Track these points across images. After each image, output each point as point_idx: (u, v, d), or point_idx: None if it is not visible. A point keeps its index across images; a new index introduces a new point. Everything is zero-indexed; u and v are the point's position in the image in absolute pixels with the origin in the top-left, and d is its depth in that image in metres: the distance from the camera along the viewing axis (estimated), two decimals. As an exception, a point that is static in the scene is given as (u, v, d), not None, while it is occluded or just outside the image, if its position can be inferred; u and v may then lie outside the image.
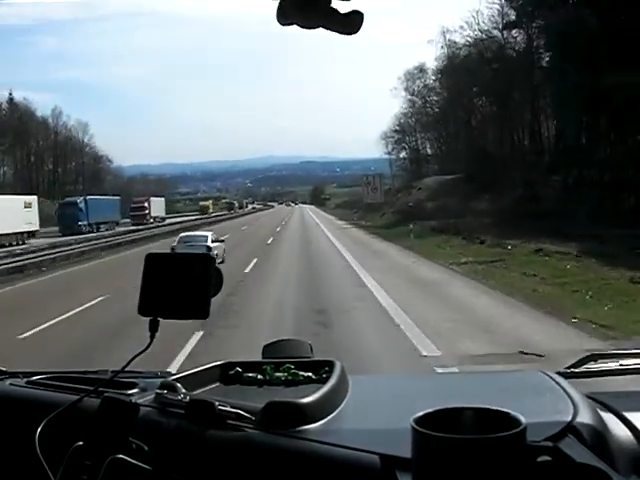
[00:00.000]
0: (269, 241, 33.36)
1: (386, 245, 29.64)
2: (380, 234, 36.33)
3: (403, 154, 70.64)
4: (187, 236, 24.21)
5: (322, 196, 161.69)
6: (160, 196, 74.89)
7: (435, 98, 62.11)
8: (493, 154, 42.95)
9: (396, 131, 69.66)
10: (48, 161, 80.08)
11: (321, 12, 0.94)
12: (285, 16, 0.93)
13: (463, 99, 52.65)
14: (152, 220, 61.50)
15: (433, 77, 61.02)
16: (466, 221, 31.68)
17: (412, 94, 63.19)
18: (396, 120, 69.58)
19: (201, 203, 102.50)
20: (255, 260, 22.34)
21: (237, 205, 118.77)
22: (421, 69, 62.34)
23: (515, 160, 40.55)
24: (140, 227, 50.66)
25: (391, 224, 42.89)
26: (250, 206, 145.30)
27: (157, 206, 67.34)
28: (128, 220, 59.37)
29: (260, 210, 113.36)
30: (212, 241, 22.38)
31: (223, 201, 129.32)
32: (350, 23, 0.96)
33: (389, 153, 70.95)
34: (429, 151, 68.03)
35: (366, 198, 53.84)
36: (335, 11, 0.95)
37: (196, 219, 65.69)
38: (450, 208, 36.45)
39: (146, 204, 62.87)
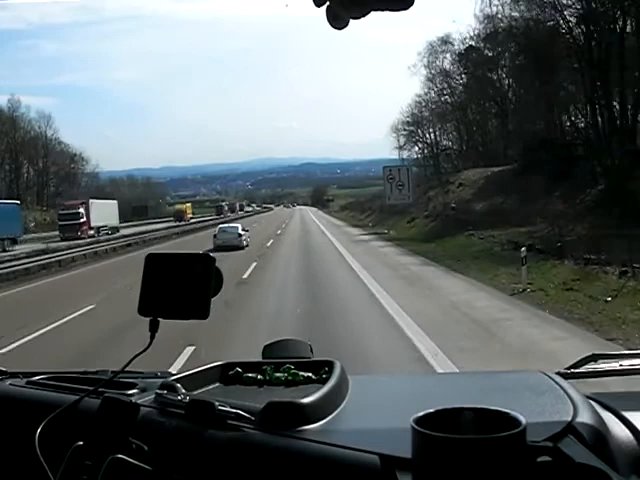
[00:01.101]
0: (245, 275, 18.29)
1: (469, 286, 14.96)
2: (426, 253, 22.66)
3: (416, 149, 62.65)
4: (224, 227, 33.58)
5: (325, 197, 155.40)
6: (111, 198, 58.39)
7: (460, 78, 53.00)
8: (555, 139, 32.20)
9: (408, 123, 61.59)
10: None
11: None
12: (335, 17, 0.86)
13: (500, 75, 44.73)
14: (94, 232, 45.90)
15: (459, 51, 51.84)
16: (549, 231, 21.19)
17: (431, 76, 54.51)
18: (410, 109, 61.74)
19: (176, 207, 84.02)
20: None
21: (227, 208, 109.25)
22: (446, 41, 53.07)
23: (589, 145, 29.59)
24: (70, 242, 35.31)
25: (429, 234, 31.10)
26: (248, 208, 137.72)
27: (103, 212, 48.88)
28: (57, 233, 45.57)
29: (257, 213, 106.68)
30: (242, 230, 31.90)
31: (207, 203, 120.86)
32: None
33: (401, 147, 62.52)
34: (449, 143, 58.97)
35: (389, 198, 40.08)
36: None
37: (166, 228, 51.18)
38: (510, 210, 27.09)
39: (81, 210, 46.19)
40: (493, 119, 49.33)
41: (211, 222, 63.97)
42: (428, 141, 61.95)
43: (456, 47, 52.48)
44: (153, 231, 45.60)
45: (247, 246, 30.42)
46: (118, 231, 49.89)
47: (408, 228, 38.85)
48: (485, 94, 48.44)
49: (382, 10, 0.85)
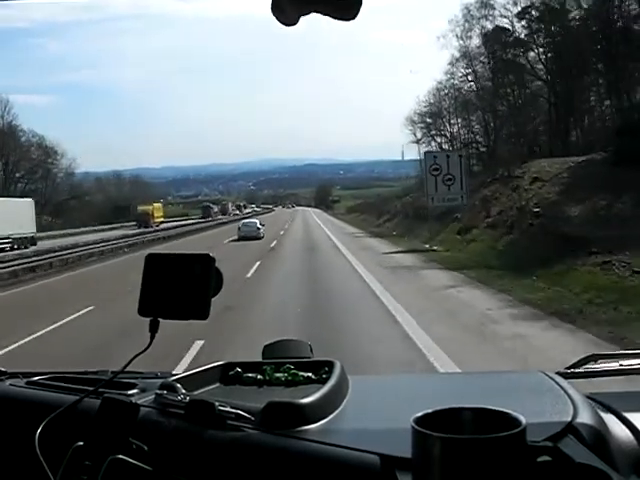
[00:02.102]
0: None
1: None
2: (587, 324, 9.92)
3: (434, 144, 53.68)
4: (246, 222, 42.70)
5: (330, 198, 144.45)
6: (81, 197, 56.01)
7: (487, 61, 44.81)
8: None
9: (427, 114, 53.29)
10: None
11: None
12: (279, 8, 0.88)
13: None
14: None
15: (485, 31, 43.52)
16: None
17: (464, 49, 45.04)
18: (427, 99, 53.62)
19: (140, 208, 63.26)
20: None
21: (217, 209, 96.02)
22: (486, 3, 43.07)
23: None
24: None
25: (513, 257, 18.34)
26: (247, 210, 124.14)
27: (6, 217, 33.29)
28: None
29: (256, 214, 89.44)
30: (260, 224, 40.90)
31: (205, 203, 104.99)
32: (346, 7, 0.88)
33: (418, 141, 54.62)
34: (473, 136, 50.87)
35: (432, 198, 28.21)
36: None
37: (121, 237, 39.65)
38: (627, 216, 18.19)
39: None
40: (531, 105, 41.89)
41: (189, 227, 51.92)
42: (447, 134, 54.06)
43: (497, 12, 42.96)
44: (94, 243, 33.57)
45: (263, 237, 37.78)
46: (34, 244, 35.83)
47: (464, 243, 25.18)
48: (519, 78, 41.88)
49: (326, 15, 0.89)
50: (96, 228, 55.36)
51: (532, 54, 42.34)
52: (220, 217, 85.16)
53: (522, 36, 42.36)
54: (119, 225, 59.58)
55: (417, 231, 32.99)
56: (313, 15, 0.91)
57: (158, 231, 48.93)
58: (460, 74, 48.44)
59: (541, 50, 41.13)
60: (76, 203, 69.52)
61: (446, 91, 51.24)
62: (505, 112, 43.91)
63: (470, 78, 47.59)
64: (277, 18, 0.88)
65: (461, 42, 46.21)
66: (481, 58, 46.09)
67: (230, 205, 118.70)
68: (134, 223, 59.06)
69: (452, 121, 53.12)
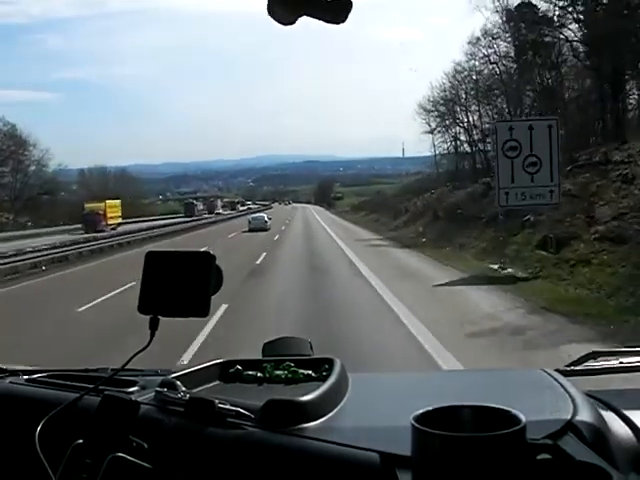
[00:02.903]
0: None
1: None
2: None
3: (446, 137, 49.12)
4: (255, 216, 49.71)
5: (332, 195, 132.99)
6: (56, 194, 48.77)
7: (511, 41, 39.15)
8: None
9: (443, 100, 47.67)
10: None
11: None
12: (272, 9, 0.91)
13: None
14: None
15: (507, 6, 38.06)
16: None
17: (500, 9, 38.11)
18: (443, 84, 47.66)
19: (87, 206, 51.90)
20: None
21: (203, 207, 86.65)
22: None
23: None
24: None
25: None
26: (242, 207, 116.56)
27: None
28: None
29: (247, 213, 78.24)
30: (267, 218, 47.57)
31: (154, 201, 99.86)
32: (336, 11, 0.91)
33: (432, 131, 49.69)
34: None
35: (506, 194, 16.42)
36: None
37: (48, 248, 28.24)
38: None
39: None
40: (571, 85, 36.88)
41: (160, 230, 41.98)
42: (466, 123, 47.58)
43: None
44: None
45: (270, 229, 44.04)
46: None
47: (562, 266, 15.18)
48: (550, 57, 36.83)
49: (316, 19, 0.92)
50: (42, 231, 45.44)
51: (567, 31, 36.33)
52: (206, 216, 77.21)
53: (554, 11, 36.52)
54: (70, 228, 48.10)
55: (457, 239, 24.77)
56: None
57: (107, 238, 35.99)
58: (482, 54, 42.49)
59: (577, 26, 35.19)
60: (48, 199, 62.43)
61: (465, 74, 45.61)
62: (536, 96, 38.44)
63: (492, 59, 41.90)
64: (273, 18, 0.92)
65: (498, 1, 38.91)
66: (506, 36, 40.55)
67: (219, 202, 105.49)
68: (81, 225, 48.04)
69: (472, 108, 46.63)
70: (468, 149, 47.98)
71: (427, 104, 50.15)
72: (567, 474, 0.93)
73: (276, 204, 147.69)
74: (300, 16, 0.91)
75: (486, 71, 43.41)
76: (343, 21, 0.91)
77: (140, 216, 67.12)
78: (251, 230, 42.71)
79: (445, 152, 51.73)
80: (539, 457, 0.93)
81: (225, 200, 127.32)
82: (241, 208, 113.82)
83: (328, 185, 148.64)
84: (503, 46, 41.14)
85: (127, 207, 66.31)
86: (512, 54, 40.50)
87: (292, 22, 0.92)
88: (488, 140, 41.52)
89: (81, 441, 1.19)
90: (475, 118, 46.50)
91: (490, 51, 41.66)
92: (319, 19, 0.91)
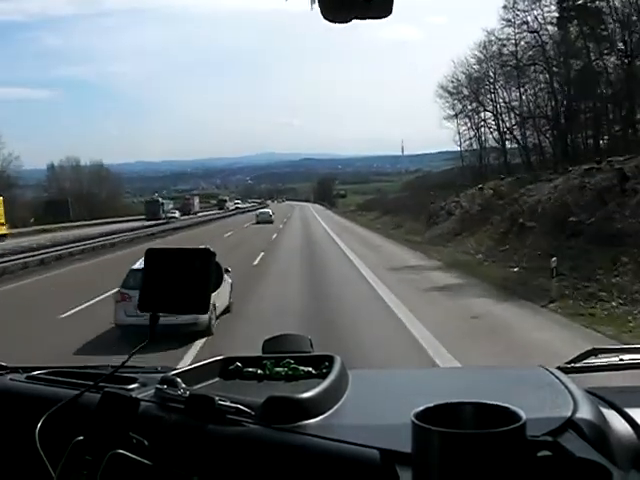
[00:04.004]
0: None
1: None
2: None
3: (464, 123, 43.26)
4: (261, 211, 58.19)
5: (334, 192, 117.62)
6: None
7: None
8: None
9: (469, 80, 40.98)
10: None
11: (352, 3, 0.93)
12: (326, 11, 0.94)
13: None
14: None
15: None
16: None
17: None
18: (467, 62, 41.46)
19: None
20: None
21: (170, 208, 69.90)
22: None
23: None
24: None
25: None
26: (230, 204, 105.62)
27: None
28: None
29: (234, 214, 72.52)
30: (272, 212, 56.60)
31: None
32: (382, 6, 0.95)
33: (455, 116, 43.69)
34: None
35: None
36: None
37: None
38: None
39: None
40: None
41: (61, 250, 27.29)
42: (498, 105, 40.65)
43: None
44: None
45: (273, 222, 50.97)
46: None
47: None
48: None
49: (364, 18, 0.95)
50: None
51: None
52: (177, 216, 64.24)
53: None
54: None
55: (603, 274, 14.03)
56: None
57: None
58: (519, 21, 36.35)
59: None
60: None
61: (497, 45, 38.61)
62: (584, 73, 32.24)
63: (533, 27, 35.88)
64: (326, 18, 0.96)
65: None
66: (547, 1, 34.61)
67: (196, 201, 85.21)
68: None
69: (511, 88, 39.12)
70: (486, 140, 42.43)
71: (449, 84, 43.75)
72: (567, 471, 0.93)
73: (274, 202, 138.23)
74: (349, 20, 0.95)
75: (523, 43, 36.95)
76: (390, 14, 0.95)
77: (96, 218, 59.62)
78: (258, 223, 52.15)
79: (468, 142, 45.04)
80: (539, 454, 0.93)
81: (219, 198, 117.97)
82: (231, 207, 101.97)
83: (328, 182, 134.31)
84: (546, 13, 34.95)
85: (99, 206, 60.63)
86: (555, 22, 34.94)
87: (345, 21, 0.97)
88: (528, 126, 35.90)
89: (81, 438, 1.19)
90: (513, 97, 38.80)
91: (529, 17, 35.43)
92: (367, 18, 0.95)
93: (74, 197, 64.91)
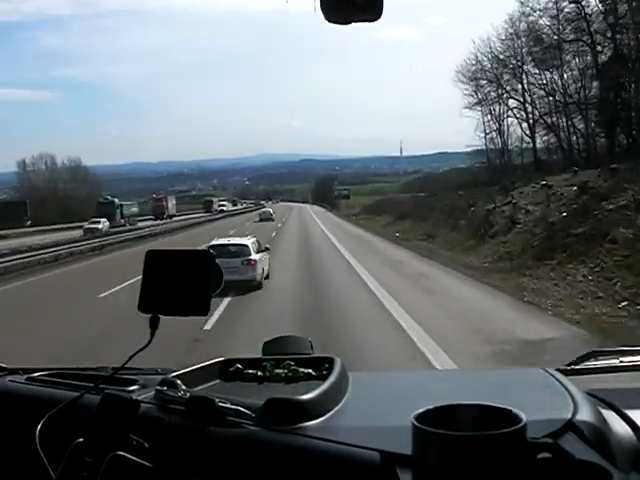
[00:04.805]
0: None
1: None
2: None
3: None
4: (264, 210, 62.35)
5: (335, 192, 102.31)
6: None
7: None
8: None
9: (497, 61, 34.62)
10: None
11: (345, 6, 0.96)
12: (328, 13, 0.97)
13: None
14: None
15: None
16: None
17: None
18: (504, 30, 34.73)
19: None
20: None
21: (134, 211, 59.36)
22: None
23: None
24: None
25: None
26: (214, 205, 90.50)
27: None
28: None
29: (223, 216, 64.61)
30: (272, 211, 62.41)
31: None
32: (372, 8, 0.97)
33: (480, 102, 37.53)
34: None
35: None
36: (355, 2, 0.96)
37: None
38: None
39: None
40: None
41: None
42: (530, 90, 34.22)
43: None
44: None
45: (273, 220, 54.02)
46: None
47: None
48: None
49: (356, 21, 0.98)
50: None
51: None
52: (135, 223, 52.69)
53: None
54: None
55: None
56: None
57: None
58: None
59: None
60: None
61: (530, 19, 32.15)
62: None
63: None
64: (328, 19, 0.99)
65: None
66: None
67: (171, 202, 70.73)
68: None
69: (541, 70, 32.65)
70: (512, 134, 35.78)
71: (468, 70, 37.68)
72: (567, 473, 0.93)
73: (268, 203, 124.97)
74: (345, 23, 0.98)
75: (561, 17, 30.38)
76: (379, 17, 0.98)
77: (68, 222, 52.06)
78: (261, 220, 56.75)
79: (488, 136, 38.05)
80: (539, 456, 0.93)
81: (205, 199, 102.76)
82: (219, 209, 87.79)
83: (328, 182, 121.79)
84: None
85: (74, 208, 52.11)
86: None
87: (346, 22, 1.00)
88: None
89: (81, 440, 1.19)
90: (545, 81, 31.99)
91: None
92: (359, 21, 0.99)
93: (48, 198, 56.42)
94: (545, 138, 36.16)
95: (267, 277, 17.36)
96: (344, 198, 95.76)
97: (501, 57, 35.73)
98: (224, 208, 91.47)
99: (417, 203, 41.79)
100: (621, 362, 1.67)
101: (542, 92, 34.27)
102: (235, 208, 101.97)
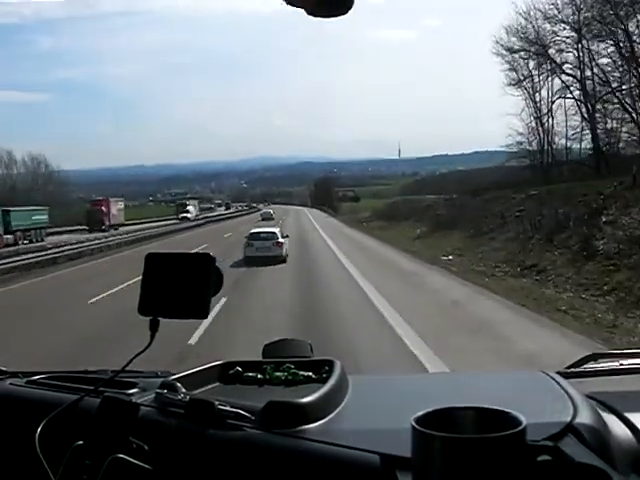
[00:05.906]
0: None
1: None
2: None
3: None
4: (265, 210, 74.91)
5: (339, 194, 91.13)
6: None
7: None
8: None
9: (525, 40, 28.71)
10: None
11: None
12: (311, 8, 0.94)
13: None
14: None
15: None
16: None
17: None
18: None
19: None
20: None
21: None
22: None
23: None
24: None
25: None
26: (190, 210, 74.30)
27: None
28: None
29: (199, 224, 54.75)
30: (273, 211, 74.39)
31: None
32: (338, 4, 0.93)
33: (520, 81, 31.21)
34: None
35: None
36: None
37: None
38: None
39: None
40: None
41: None
42: (589, 60, 26.95)
43: None
44: None
45: (273, 218, 60.91)
46: None
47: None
48: None
49: (321, 17, 0.94)
50: None
51: None
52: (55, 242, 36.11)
53: None
54: None
55: None
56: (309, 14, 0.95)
57: None
58: None
59: None
60: None
61: None
62: None
63: None
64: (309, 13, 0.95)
65: None
66: None
67: (116, 207, 57.74)
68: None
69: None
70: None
71: (510, 37, 30.36)
72: (567, 476, 0.93)
73: (262, 205, 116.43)
74: (324, 16, 0.94)
75: None
76: (345, 12, 0.94)
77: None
78: (263, 220, 60.53)
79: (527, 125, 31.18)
80: (539, 459, 0.93)
81: (178, 202, 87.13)
82: (181, 217, 69.13)
83: (328, 183, 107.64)
84: None
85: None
86: None
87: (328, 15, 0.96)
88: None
89: (81, 442, 1.19)
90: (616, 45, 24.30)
91: None
92: (324, 16, 0.94)
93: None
94: (609, 125, 28.16)
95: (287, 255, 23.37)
96: (352, 201, 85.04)
97: (551, 22, 28.24)
98: (189, 215, 70.76)
99: (461, 207, 31.62)
100: (621, 365, 1.67)
101: (609, 60, 25.74)
102: (222, 213, 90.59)
